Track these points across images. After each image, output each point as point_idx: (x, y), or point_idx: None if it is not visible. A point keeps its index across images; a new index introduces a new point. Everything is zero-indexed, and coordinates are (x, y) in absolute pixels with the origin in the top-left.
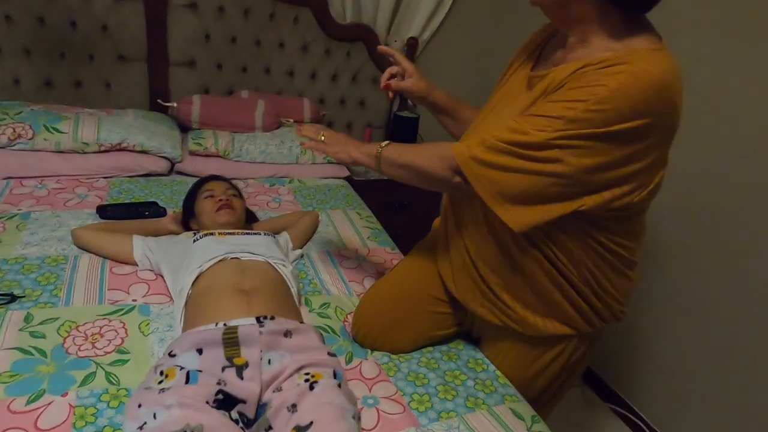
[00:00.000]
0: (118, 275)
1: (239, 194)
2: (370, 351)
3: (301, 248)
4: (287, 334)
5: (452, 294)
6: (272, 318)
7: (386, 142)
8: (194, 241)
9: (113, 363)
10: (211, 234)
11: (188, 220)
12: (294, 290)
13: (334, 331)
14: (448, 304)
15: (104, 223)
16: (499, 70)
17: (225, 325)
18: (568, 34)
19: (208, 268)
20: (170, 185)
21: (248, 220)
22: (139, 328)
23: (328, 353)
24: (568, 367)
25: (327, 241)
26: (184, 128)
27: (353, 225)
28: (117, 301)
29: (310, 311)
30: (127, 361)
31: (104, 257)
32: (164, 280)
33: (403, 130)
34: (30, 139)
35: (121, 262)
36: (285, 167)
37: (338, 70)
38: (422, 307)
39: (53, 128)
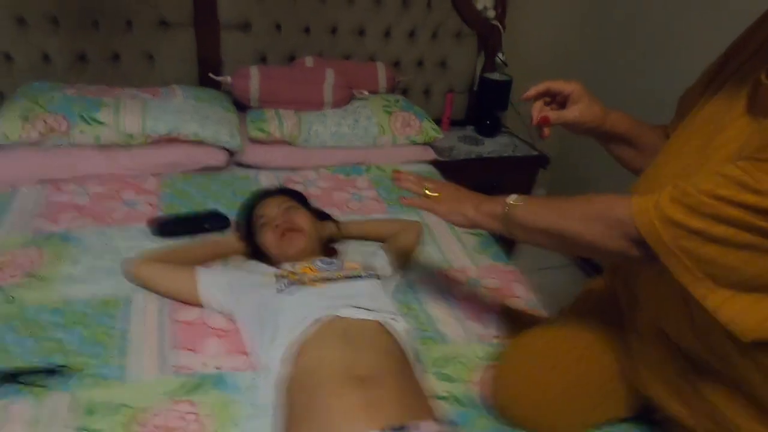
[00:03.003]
0: (182, 324)
1: (299, 200)
2: None
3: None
4: None
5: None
6: (402, 429)
7: (514, 196)
8: (278, 290)
9: None
10: (302, 283)
11: (256, 251)
12: (411, 357)
13: (460, 403)
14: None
15: (163, 253)
16: (621, 10)
17: None
18: None
19: (304, 336)
20: (231, 182)
21: (321, 218)
22: (217, 415)
23: None
24: None
25: (427, 255)
26: (241, 106)
27: (453, 230)
28: (183, 368)
29: (425, 373)
30: None
31: (164, 297)
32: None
33: (491, 95)
34: (65, 133)
35: (186, 303)
36: (361, 152)
37: (416, 25)
38: (595, 381)
39: (91, 118)
